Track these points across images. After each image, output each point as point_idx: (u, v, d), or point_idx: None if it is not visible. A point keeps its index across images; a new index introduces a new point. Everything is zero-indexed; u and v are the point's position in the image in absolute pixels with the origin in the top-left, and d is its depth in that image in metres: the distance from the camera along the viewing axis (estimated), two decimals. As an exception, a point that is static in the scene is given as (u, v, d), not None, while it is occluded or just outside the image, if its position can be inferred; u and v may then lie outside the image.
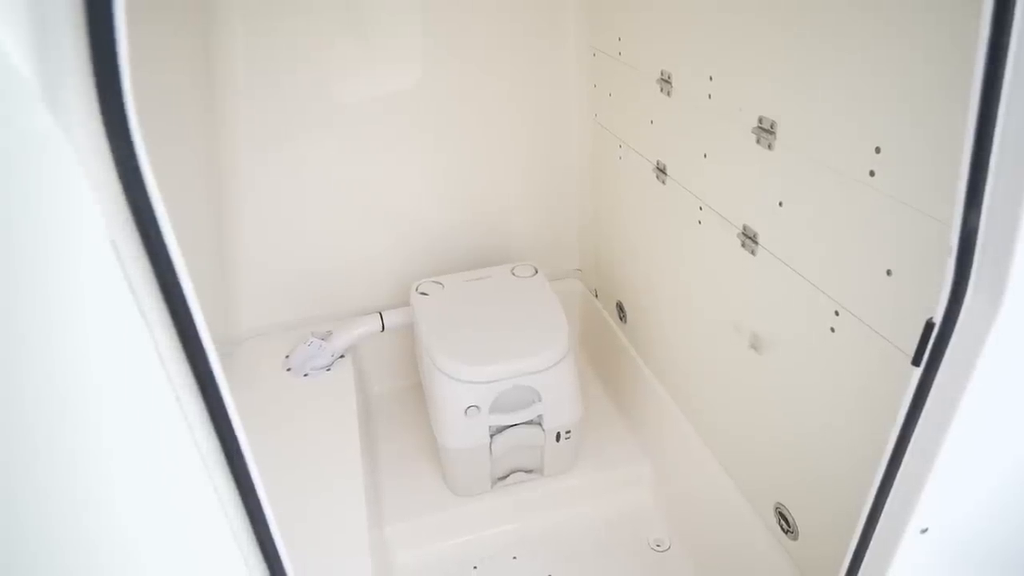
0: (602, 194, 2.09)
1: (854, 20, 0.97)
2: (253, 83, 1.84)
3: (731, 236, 1.37)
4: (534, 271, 2.05)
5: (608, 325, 2.17)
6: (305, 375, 1.99)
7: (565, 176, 2.25)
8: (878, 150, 0.96)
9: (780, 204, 1.21)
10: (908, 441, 0.72)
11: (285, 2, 1.78)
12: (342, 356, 2.07)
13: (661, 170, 1.63)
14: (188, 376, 0.39)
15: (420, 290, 1.99)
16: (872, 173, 0.98)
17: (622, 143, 1.84)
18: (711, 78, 1.33)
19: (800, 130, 1.12)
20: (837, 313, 1.11)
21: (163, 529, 0.39)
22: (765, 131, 1.20)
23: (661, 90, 1.54)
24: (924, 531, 0.76)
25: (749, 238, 1.31)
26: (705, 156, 1.42)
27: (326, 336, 2.07)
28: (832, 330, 1.13)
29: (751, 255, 1.32)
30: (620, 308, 2.09)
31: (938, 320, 0.65)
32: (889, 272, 0.98)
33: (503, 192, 2.22)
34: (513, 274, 2.04)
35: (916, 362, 0.69)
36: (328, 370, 2.02)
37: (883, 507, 0.77)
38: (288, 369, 2.00)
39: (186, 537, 0.42)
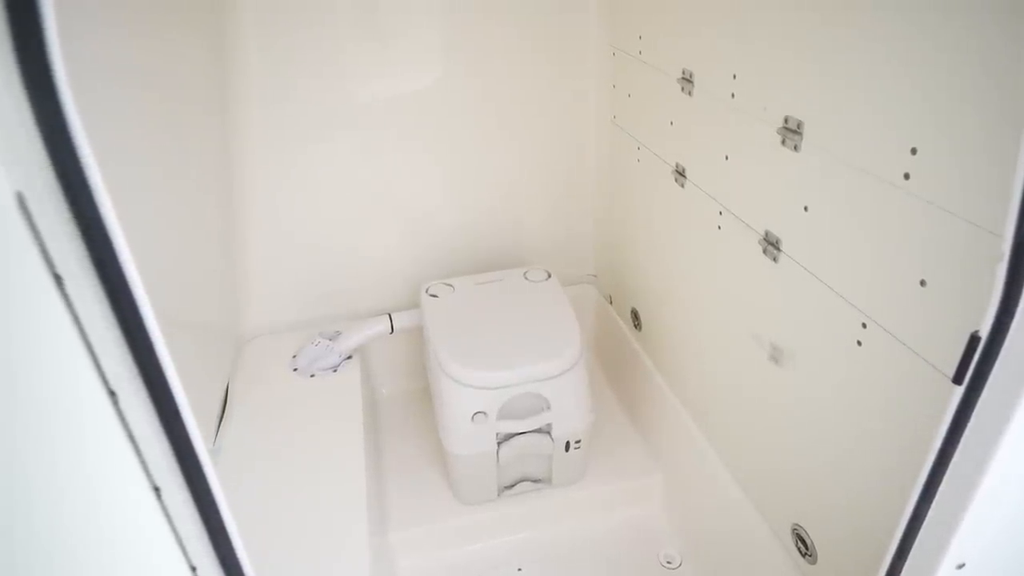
0: (619, 198, 2.02)
1: (887, 12, 0.90)
2: (267, 83, 1.81)
3: (752, 242, 1.30)
4: (547, 275, 1.99)
5: (622, 333, 2.10)
6: (312, 376, 1.94)
7: (581, 179, 2.19)
8: (914, 151, 0.89)
9: (805, 209, 1.14)
10: (945, 467, 0.65)
11: (300, 3, 1.75)
12: (349, 357, 2.02)
13: (680, 173, 1.56)
14: (128, 366, 0.34)
15: (430, 292, 1.94)
16: (907, 176, 0.91)
17: (640, 145, 1.78)
18: (735, 76, 1.27)
19: (829, 130, 1.05)
20: (864, 325, 1.03)
21: (92, 546, 0.34)
22: (791, 132, 1.13)
23: (682, 90, 1.47)
24: (961, 567, 0.68)
25: (771, 244, 1.24)
26: (727, 158, 1.35)
27: (334, 336, 2.03)
28: (859, 343, 1.05)
29: (773, 262, 1.25)
30: (635, 315, 2.02)
31: (984, 334, 0.58)
32: (923, 282, 0.91)
33: (518, 194, 2.16)
34: (526, 278, 1.98)
35: (958, 380, 0.62)
36: (335, 371, 1.97)
37: (915, 538, 0.70)
38: (295, 369, 1.96)
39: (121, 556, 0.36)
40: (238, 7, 1.71)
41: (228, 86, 1.78)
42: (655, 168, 1.70)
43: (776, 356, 1.28)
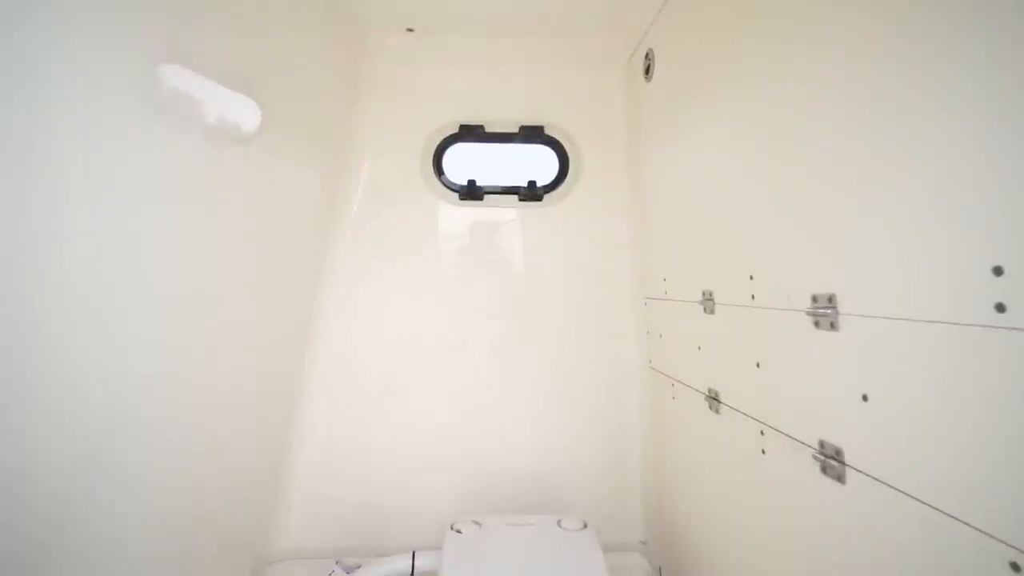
0: (664, 451, 1.54)
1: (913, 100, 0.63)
2: (340, 324, 1.73)
3: (805, 461, 0.81)
4: (583, 525, 1.43)
5: (673, 615, 1.38)
6: (314, 612, 1.39)
7: (627, 434, 1.74)
8: (999, 271, 0.51)
9: (864, 398, 0.69)
10: None
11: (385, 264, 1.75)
12: (361, 596, 1.45)
13: (714, 398, 1.14)
14: None
15: (455, 527, 1.44)
16: (1001, 307, 0.51)
17: (674, 382, 1.39)
18: (751, 277, 0.97)
19: (870, 289, 0.69)
20: (1017, 567, 0.49)
21: None
22: (823, 309, 0.77)
23: (705, 310, 1.17)
24: None
25: (830, 458, 0.76)
26: (758, 366, 0.96)
27: (352, 569, 1.50)
28: (1017, 604, 0.49)
29: (838, 483, 0.74)
30: (686, 591, 1.33)
31: None
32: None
33: (565, 446, 1.73)
34: (559, 525, 1.44)
35: None
36: (339, 610, 1.40)
37: None
38: (301, 601, 1.42)
39: None
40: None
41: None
42: (690, 401, 1.28)
43: (876, 640, 0.67)
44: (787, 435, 0.87)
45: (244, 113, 1.22)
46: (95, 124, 0.84)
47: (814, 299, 0.79)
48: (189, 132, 1.05)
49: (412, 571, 1.48)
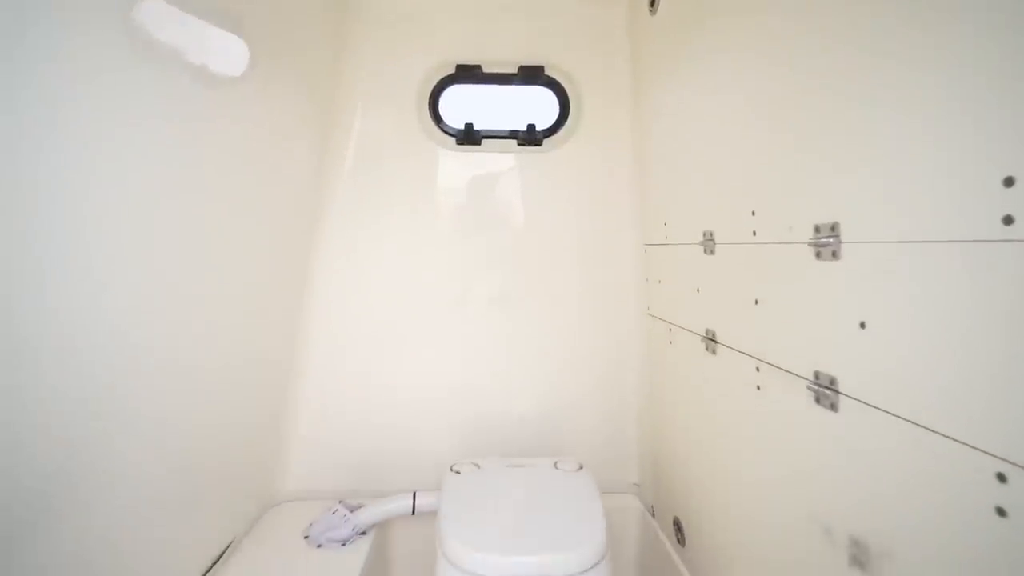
0: (661, 396, 1.56)
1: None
2: (344, 267, 1.72)
3: (799, 393, 0.82)
4: (579, 467, 1.47)
5: (664, 550, 1.43)
6: (319, 546, 1.44)
7: (625, 382, 1.76)
8: (1010, 181, 0.49)
9: (862, 326, 0.69)
10: None
11: (378, 215, 1.72)
12: (364, 533, 1.51)
13: (711, 339, 1.14)
14: None
15: (454, 468, 1.48)
16: (1009, 219, 0.50)
17: (672, 327, 1.39)
18: (753, 213, 0.95)
19: (872, 214, 0.67)
20: (1003, 477, 0.50)
21: None
22: (825, 239, 0.75)
23: (705, 251, 1.15)
24: None
25: (824, 387, 0.76)
26: (756, 303, 0.95)
27: (355, 508, 1.55)
28: (1000, 512, 0.50)
29: (831, 412, 0.75)
30: (678, 527, 1.38)
31: None
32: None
33: (564, 397, 1.75)
34: (556, 467, 1.47)
35: None
36: (343, 545, 1.45)
37: None
38: (306, 537, 1.47)
39: None
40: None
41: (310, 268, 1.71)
42: (687, 344, 1.28)
43: (860, 558, 0.69)
44: (782, 369, 0.87)
45: (232, 55, 1.16)
46: (79, 73, 0.79)
47: (816, 229, 0.77)
48: (178, 80, 0.99)
49: (413, 510, 1.53)
